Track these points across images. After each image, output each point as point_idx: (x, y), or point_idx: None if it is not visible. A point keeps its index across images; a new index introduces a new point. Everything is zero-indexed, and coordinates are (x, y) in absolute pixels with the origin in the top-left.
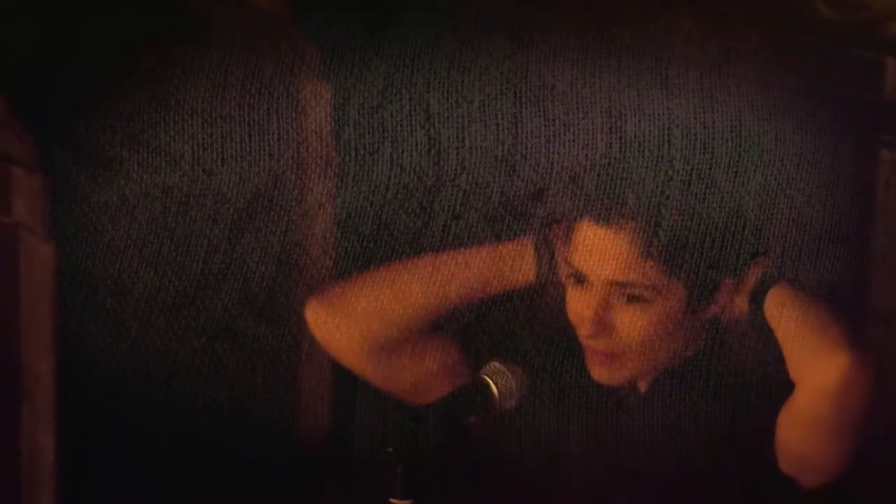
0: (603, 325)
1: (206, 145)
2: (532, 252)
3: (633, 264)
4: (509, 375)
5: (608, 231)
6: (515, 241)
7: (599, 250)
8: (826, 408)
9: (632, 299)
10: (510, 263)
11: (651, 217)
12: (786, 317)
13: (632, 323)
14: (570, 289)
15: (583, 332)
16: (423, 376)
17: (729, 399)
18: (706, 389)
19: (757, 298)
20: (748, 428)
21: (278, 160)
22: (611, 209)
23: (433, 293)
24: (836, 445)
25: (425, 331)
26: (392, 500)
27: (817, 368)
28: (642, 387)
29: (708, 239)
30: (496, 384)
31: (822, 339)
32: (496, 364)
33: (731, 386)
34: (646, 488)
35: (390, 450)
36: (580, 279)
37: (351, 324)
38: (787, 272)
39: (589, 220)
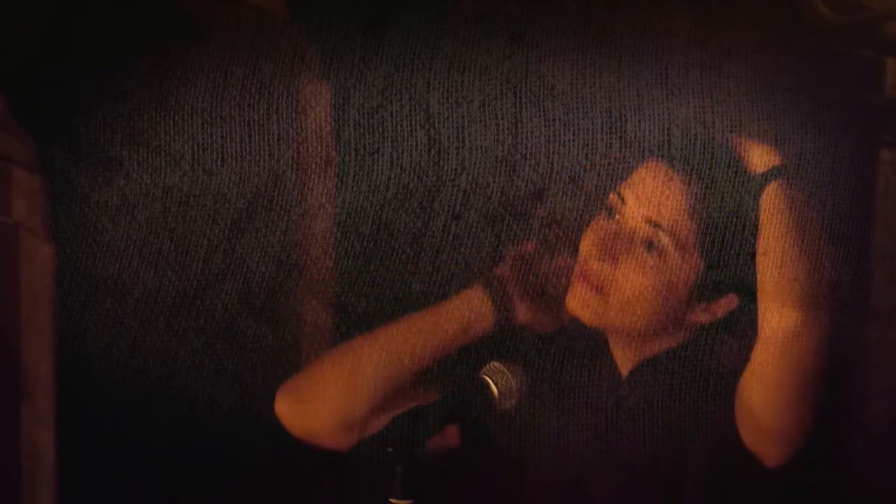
0: (612, 251)
1: (206, 145)
2: (486, 298)
3: (676, 212)
4: (509, 375)
5: (670, 176)
6: (465, 292)
7: (652, 187)
8: (773, 360)
9: (651, 247)
10: (467, 315)
11: (713, 183)
12: (767, 265)
13: (638, 268)
14: (597, 219)
15: (588, 251)
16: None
17: (705, 396)
18: (684, 382)
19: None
20: (718, 424)
21: (278, 160)
22: (685, 160)
23: (393, 363)
24: (787, 402)
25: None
26: (392, 500)
27: (769, 321)
28: (623, 372)
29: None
30: (496, 384)
31: (780, 292)
32: (496, 364)
33: (707, 383)
34: (622, 479)
35: (390, 450)
36: (613, 212)
37: (320, 407)
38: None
39: (659, 161)
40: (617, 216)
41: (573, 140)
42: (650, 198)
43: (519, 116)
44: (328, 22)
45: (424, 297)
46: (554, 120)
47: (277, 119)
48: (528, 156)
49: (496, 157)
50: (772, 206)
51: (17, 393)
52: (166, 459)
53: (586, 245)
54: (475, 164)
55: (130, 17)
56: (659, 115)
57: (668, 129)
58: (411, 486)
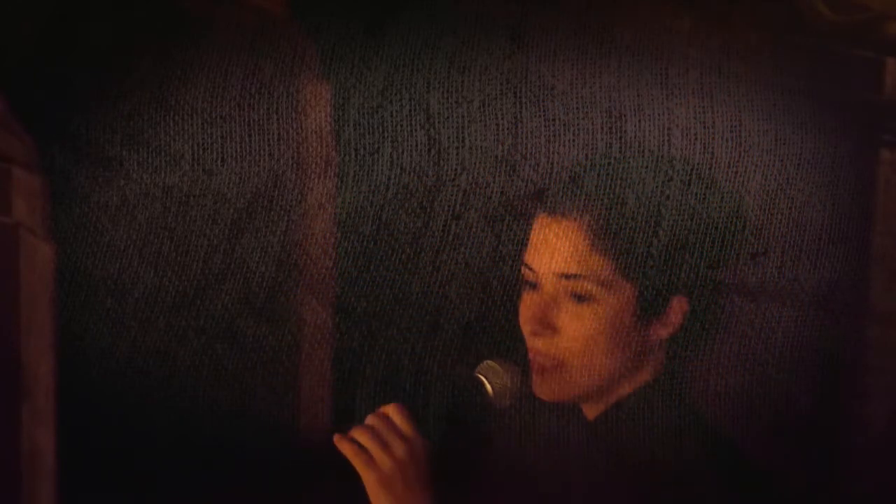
0: (547, 323)
1: (206, 145)
2: None
3: (582, 257)
4: (504, 373)
5: (560, 224)
6: None
7: (551, 244)
8: None
9: (580, 298)
10: None
11: (604, 209)
12: None
13: (577, 323)
14: (524, 296)
15: (527, 331)
16: None
17: (667, 439)
18: (651, 425)
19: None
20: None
21: (278, 160)
22: (564, 202)
23: None
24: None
25: None
26: None
27: None
28: (589, 415)
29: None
30: (490, 382)
31: None
32: (491, 362)
33: (672, 425)
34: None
35: None
36: (532, 283)
37: None
38: (787, 272)
39: (544, 215)
40: (537, 286)
41: (573, 140)
42: (551, 253)
43: (519, 116)
44: (328, 22)
45: (424, 297)
46: (554, 120)
47: (277, 119)
48: (528, 156)
49: (496, 157)
50: None
51: (17, 393)
52: (166, 459)
53: (525, 325)
54: (475, 164)
55: (130, 17)
56: (659, 115)
57: (668, 129)
58: None
